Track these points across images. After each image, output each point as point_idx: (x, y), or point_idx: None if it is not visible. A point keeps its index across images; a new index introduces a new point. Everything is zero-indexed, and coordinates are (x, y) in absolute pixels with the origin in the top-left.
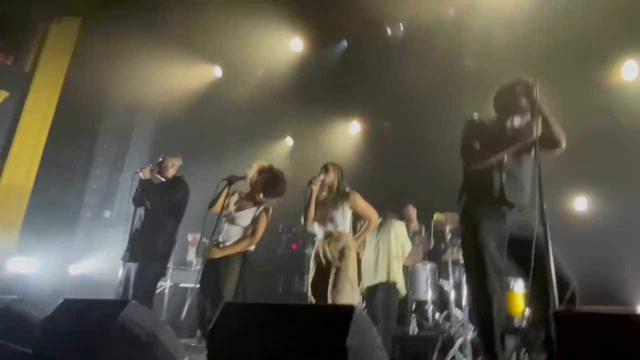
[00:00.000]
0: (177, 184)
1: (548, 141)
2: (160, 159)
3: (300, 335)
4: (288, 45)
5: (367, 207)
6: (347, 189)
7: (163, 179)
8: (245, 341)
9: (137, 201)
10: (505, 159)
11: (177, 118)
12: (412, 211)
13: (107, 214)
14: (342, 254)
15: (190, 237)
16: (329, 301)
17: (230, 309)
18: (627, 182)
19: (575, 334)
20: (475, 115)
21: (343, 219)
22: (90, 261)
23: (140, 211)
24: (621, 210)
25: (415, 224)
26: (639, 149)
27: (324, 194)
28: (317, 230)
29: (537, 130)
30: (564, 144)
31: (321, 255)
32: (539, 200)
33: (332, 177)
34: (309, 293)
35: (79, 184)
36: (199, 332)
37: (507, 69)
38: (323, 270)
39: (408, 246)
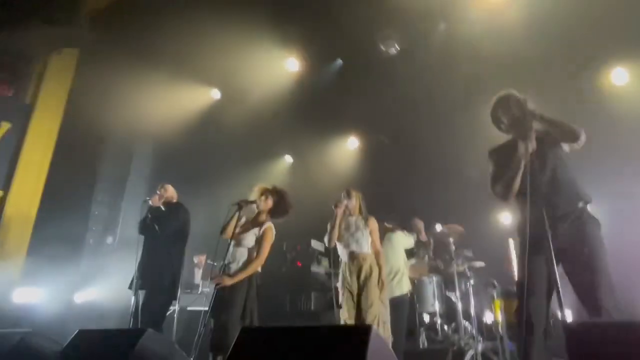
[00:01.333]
0: (179, 209)
1: (566, 138)
2: (161, 187)
3: (318, 358)
4: (284, 66)
5: (377, 236)
6: (366, 214)
7: (163, 207)
8: None
9: (148, 228)
10: (528, 172)
11: (176, 142)
12: (419, 223)
13: (109, 240)
14: (368, 274)
15: (196, 260)
16: (361, 319)
17: (247, 333)
18: (621, 185)
19: (584, 345)
20: (495, 145)
21: (366, 241)
22: (95, 289)
23: (146, 239)
24: (614, 212)
25: (423, 236)
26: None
27: (347, 217)
28: (341, 251)
29: (530, 139)
30: (582, 136)
31: (348, 276)
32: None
33: (354, 202)
34: (340, 313)
35: (82, 211)
36: (210, 356)
37: (499, 78)
38: (352, 291)
39: (402, 255)
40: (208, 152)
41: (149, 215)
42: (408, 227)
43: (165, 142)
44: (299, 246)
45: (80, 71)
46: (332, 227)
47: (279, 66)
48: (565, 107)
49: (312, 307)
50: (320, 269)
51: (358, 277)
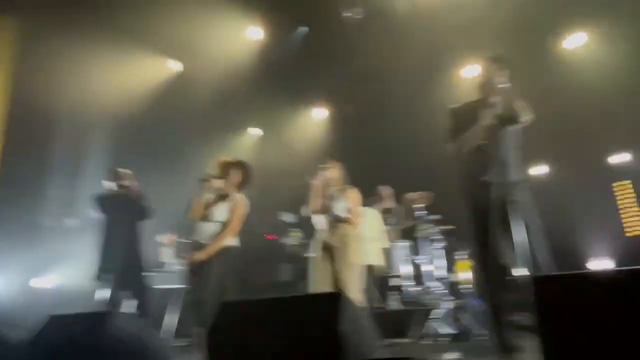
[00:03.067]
0: (138, 193)
1: (511, 116)
2: (118, 171)
3: (296, 326)
4: (246, 35)
5: (356, 207)
6: (346, 185)
7: (122, 193)
8: (246, 338)
9: (107, 213)
10: (487, 139)
11: (135, 117)
12: (384, 190)
13: (68, 222)
14: (344, 241)
15: (164, 239)
16: (337, 286)
17: (228, 308)
18: (579, 147)
19: (552, 297)
20: (454, 104)
21: (344, 210)
22: (56, 273)
23: (108, 222)
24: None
25: (387, 203)
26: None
27: (327, 187)
28: (318, 221)
29: (496, 109)
30: (524, 118)
31: (322, 245)
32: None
33: (333, 172)
34: (313, 280)
35: (37, 193)
36: (191, 332)
37: (467, 46)
38: (327, 259)
39: (380, 227)
40: (170, 127)
41: (109, 202)
42: (376, 195)
43: (124, 117)
44: (268, 219)
45: (24, 42)
46: (312, 198)
47: (242, 35)
48: (525, 75)
49: (284, 279)
50: (290, 240)
51: (332, 246)
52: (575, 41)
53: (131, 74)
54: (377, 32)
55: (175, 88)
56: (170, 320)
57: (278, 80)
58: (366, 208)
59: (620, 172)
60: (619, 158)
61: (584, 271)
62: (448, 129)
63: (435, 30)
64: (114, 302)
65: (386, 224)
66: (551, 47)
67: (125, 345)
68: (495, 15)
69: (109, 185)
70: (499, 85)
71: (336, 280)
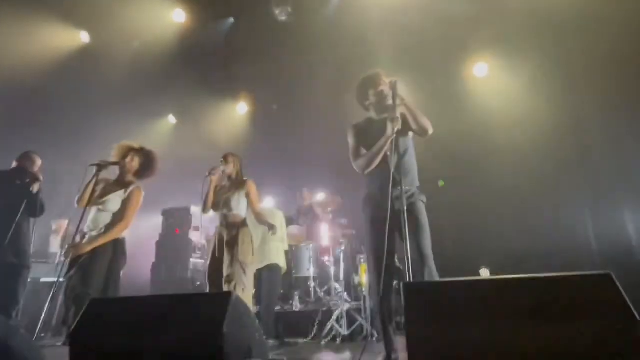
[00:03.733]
0: (38, 186)
1: (417, 130)
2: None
3: (176, 326)
4: (169, 16)
5: (256, 198)
6: (245, 178)
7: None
8: (114, 339)
9: None
10: (389, 153)
11: (32, 87)
12: (308, 195)
13: None
14: (235, 238)
15: (54, 226)
16: (224, 285)
17: (96, 306)
18: (476, 167)
19: (419, 301)
20: (357, 121)
21: (238, 204)
22: None
23: None
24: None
25: (306, 206)
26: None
27: (223, 182)
28: (215, 216)
29: (398, 122)
30: (430, 131)
31: (217, 239)
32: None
33: (231, 168)
34: (207, 277)
35: None
36: (64, 332)
37: (381, 61)
38: (218, 255)
39: (283, 230)
40: (74, 104)
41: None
42: (298, 196)
43: (18, 86)
44: (177, 213)
45: None
46: (207, 195)
47: (164, 15)
48: (434, 93)
49: (189, 275)
50: (198, 237)
51: (226, 242)
52: (481, 70)
53: (32, 39)
54: (304, 35)
55: (84, 62)
56: (49, 316)
57: (199, 69)
58: (271, 208)
59: None
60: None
61: (448, 279)
62: (351, 145)
63: (358, 43)
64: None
65: (297, 224)
66: (460, 72)
67: None
68: (414, 37)
69: (13, 164)
70: (393, 100)
71: (227, 277)
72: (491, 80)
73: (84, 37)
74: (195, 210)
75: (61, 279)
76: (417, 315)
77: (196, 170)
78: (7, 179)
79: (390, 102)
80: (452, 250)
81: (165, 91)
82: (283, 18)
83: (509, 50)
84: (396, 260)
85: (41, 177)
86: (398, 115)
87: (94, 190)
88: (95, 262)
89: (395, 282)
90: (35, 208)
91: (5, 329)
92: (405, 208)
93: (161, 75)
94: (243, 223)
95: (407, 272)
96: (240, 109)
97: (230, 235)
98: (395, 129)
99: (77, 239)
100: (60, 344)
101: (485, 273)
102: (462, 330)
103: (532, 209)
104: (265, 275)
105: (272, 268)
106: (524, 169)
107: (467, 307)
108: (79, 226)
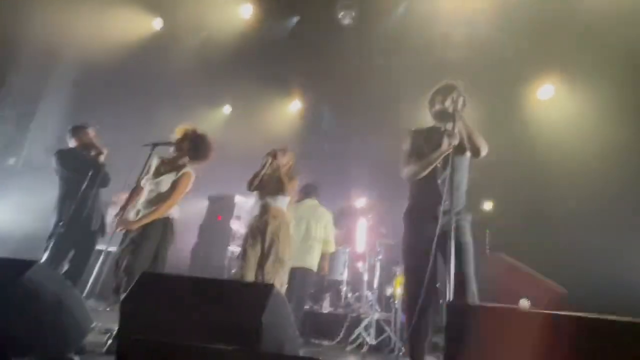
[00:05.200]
0: (101, 160)
1: (471, 149)
2: (84, 129)
3: (217, 310)
4: (237, 10)
5: (293, 197)
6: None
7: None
8: (160, 312)
9: (69, 169)
10: (438, 165)
11: (105, 68)
12: (351, 197)
13: (11, 160)
14: (276, 232)
15: (114, 198)
16: (259, 276)
17: (147, 279)
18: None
19: (462, 323)
20: (415, 127)
21: (283, 198)
22: None
23: (67, 180)
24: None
25: (350, 208)
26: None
27: (276, 172)
28: (255, 201)
29: (456, 138)
30: (484, 152)
31: (255, 229)
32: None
33: (286, 160)
34: (241, 268)
35: None
36: (112, 299)
37: (442, 71)
38: (256, 245)
39: (329, 230)
40: (139, 87)
41: (71, 160)
42: (342, 198)
43: (92, 67)
44: (222, 199)
45: None
46: (256, 174)
47: (232, 9)
48: (494, 111)
49: (226, 262)
50: (238, 225)
51: (265, 233)
52: (547, 92)
53: (108, 23)
54: (367, 41)
55: (154, 48)
56: (96, 281)
57: (260, 64)
58: (322, 208)
59: None
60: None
61: (493, 305)
62: (405, 150)
63: (422, 50)
64: (58, 257)
65: (337, 227)
66: (524, 94)
67: (40, 298)
68: (481, 51)
69: (73, 142)
70: (458, 114)
71: (263, 269)
72: (556, 103)
73: (157, 23)
74: (239, 199)
75: (109, 249)
76: (458, 337)
77: (245, 161)
78: (77, 155)
79: (452, 115)
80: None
81: (224, 81)
82: (347, 22)
83: (579, 73)
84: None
85: (104, 150)
86: (456, 131)
87: (146, 168)
88: (147, 238)
89: (434, 301)
90: (105, 179)
91: (61, 287)
92: (453, 226)
93: (223, 66)
94: (284, 218)
95: (447, 292)
96: (293, 106)
97: (271, 228)
98: (452, 144)
99: (132, 214)
100: (103, 308)
101: (524, 304)
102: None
103: (593, 239)
104: (299, 274)
105: (307, 268)
106: (586, 194)
107: (516, 338)
108: (127, 202)
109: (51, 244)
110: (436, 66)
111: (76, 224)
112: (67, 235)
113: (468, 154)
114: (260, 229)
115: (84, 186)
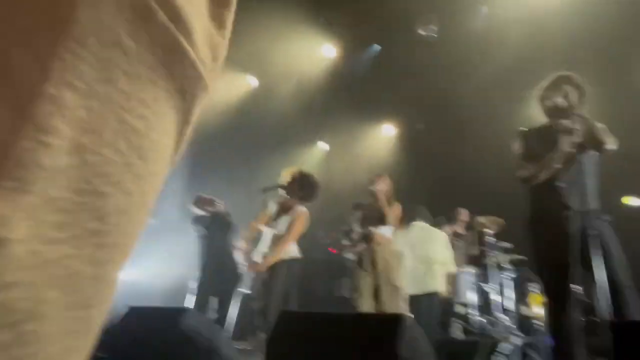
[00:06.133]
0: (226, 212)
1: (594, 144)
2: (203, 197)
3: (353, 344)
4: (320, 52)
5: (395, 223)
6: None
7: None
8: (302, 349)
9: (204, 229)
10: (560, 166)
11: (212, 131)
12: (464, 214)
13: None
14: (387, 260)
15: (239, 244)
16: (376, 307)
17: (286, 317)
18: None
19: (633, 344)
20: (524, 127)
21: (387, 226)
22: (133, 266)
23: (205, 237)
24: None
25: (460, 226)
26: None
27: (375, 200)
28: (360, 230)
29: (574, 135)
30: (611, 146)
31: (366, 259)
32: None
33: (386, 187)
34: (354, 297)
35: None
36: (251, 339)
37: (542, 70)
38: (369, 275)
39: (447, 250)
40: (242, 140)
41: (204, 222)
42: (451, 217)
43: (202, 131)
44: (333, 233)
45: None
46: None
47: (315, 52)
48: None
49: (344, 294)
50: (351, 255)
51: (376, 263)
52: None
53: (215, 89)
54: (452, 51)
55: (250, 102)
56: (232, 322)
57: (349, 97)
58: (435, 229)
59: None
60: None
61: None
62: (518, 154)
63: (512, 50)
64: (201, 304)
65: (454, 248)
66: None
67: (195, 342)
68: (579, 36)
69: (197, 210)
70: (575, 108)
71: (375, 297)
72: None
73: (251, 80)
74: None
75: (244, 291)
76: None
77: (345, 193)
78: (207, 220)
79: (567, 110)
80: None
81: (317, 120)
82: (430, 36)
83: None
84: (581, 291)
85: (220, 202)
86: (574, 127)
87: (267, 213)
88: (276, 278)
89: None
90: (230, 228)
91: (212, 330)
92: (588, 231)
93: (314, 105)
94: (389, 244)
95: (596, 307)
96: (387, 131)
97: (382, 257)
98: (572, 142)
99: (257, 257)
100: (244, 348)
101: None
102: None
103: None
104: (425, 301)
105: (431, 295)
106: None
107: None
108: (251, 244)
109: (196, 292)
110: (528, 69)
111: (215, 272)
112: (208, 283)
113: (592, 150)
114: (368, 259)
115: (215, 239)
